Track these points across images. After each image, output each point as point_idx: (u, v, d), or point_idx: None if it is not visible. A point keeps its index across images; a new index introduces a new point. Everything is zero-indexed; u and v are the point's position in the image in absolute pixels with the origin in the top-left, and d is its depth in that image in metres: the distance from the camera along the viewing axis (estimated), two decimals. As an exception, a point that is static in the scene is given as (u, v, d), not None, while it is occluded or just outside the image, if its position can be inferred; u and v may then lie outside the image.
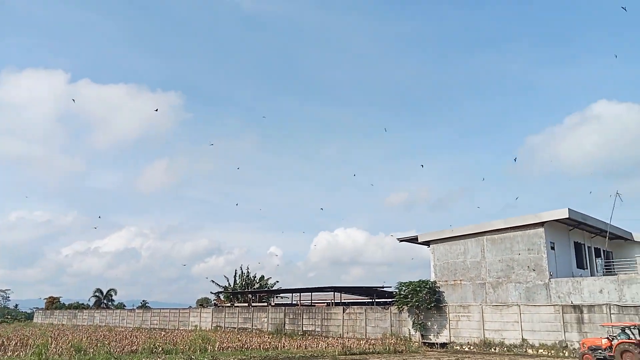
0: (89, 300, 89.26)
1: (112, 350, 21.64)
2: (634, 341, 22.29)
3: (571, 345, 27.01)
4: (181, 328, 50.59)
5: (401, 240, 38.68)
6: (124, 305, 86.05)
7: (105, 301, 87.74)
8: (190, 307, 59.10)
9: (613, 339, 23.02)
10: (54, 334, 32.12)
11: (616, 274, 29.55)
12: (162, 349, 23.11)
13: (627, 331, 23.02)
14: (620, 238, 34.98)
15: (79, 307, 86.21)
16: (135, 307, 75.03)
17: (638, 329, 23.28)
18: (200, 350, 23.76)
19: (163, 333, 36.81)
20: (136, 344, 24.64)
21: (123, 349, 22.63)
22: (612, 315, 26.21)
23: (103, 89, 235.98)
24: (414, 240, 36.95)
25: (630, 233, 35.11)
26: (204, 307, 59.54)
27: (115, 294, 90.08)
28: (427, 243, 35.81)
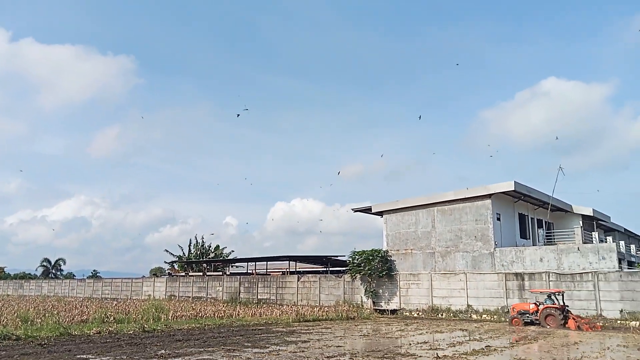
0: (36, 270, 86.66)
1: (61, 320, 21.19)
2: (557, 306, 24.25)
3: (512, 310, 28.60)
4: (134, 298, 50.02)
5: (355, 211, 39.38)
6: (74, 275, 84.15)
7: (53, 271, 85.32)
8: (144, 276, 58.37)
9: (539, 304, 24.92)
10: (-1, 304, 31.09)
11: (556, 244, 31.35)
12: (114, 318, 22.82)
13: (552, 297, 24.97)
14: (561, 210, 36.90)
15: (25, 277, 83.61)
16: (85, 277, 73.47)
17: (562, 295, 25.27)
18: (153, 319, 23.65)
19: (115, 303, 36.30)
20: (87, 313, 24.20)
21: (73, 319, 22.21)
22: (550, 282, 27.89)
23: (48, 49, 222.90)
24: (367, 210, 37.70)
25: (570, 205, 37.08)
26: (157, 276, 58.94)
27: (64, 264, 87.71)
28: (380, 213, 36.63)
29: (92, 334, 17.98)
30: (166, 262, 66.05)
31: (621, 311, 25.59)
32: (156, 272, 71.56)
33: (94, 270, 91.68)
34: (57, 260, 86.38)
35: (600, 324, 24.48)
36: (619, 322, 25.28)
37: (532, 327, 23.63)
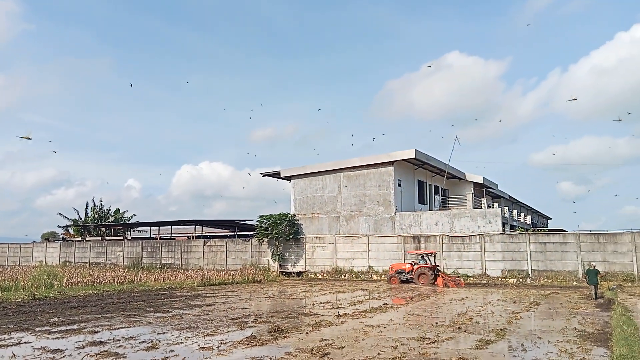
0: None
1: None
2: (429, 266, 26.80)
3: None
4: (23, 265, 46.50)
5: (264, 175, 39.28)
6: (-50, 241, 75.95)
7: None
8: (34, 242, 54.23)
9: (414, 264, 27.34)
10: None
11: (450, 209, 33.72)
12: (0, 286, 21.12)
13: (426, 258, 27.52)
14: (456, 178, 39.59)
15: None
16: (-36, 243, 66.61)
17: (434, 255, 27.92)
18: (45, 287, 22.20)
19: (1, 270, 33.53)
20: (-34, 282, 22.16)
21: (-51, 288, 20.24)
22: (443, 244, 30.09)
23: None
24: (276, 175, 37.78)
25: (464, 173, 39.90)
26: (50, 241, 55.05)
27: (-62, 229, 78.73)
28: (289, 178, 36.92)
29: (-28, 303, 16.51)
30: (60, 227, 61.75)
31: (502, 270, 28.38)
32: (48, 237, 66.73)
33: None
34: None
35: (463, 280, 27.30)
36: (500, 279, 28.07)
37: (408, 285, 26.00)
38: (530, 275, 27.53)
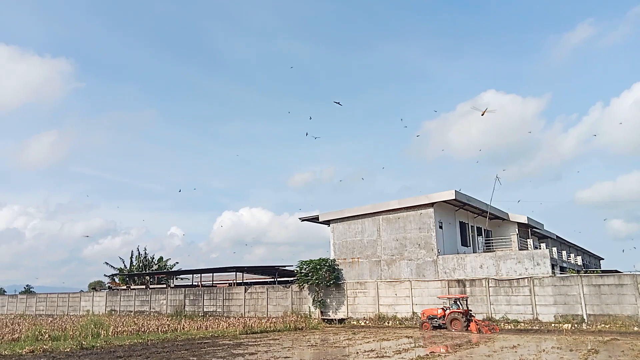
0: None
1: (-11, 340, 19.90)
2: (461, 311, 25.98)
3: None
4: (71, 314, 47.65)
5: (303, 220, 39.45)
6: (5, 291, 79.13)
7: (-19, 287, 79.82)
8: (82, 291, 55.70)
9: (446, 309, 26.58)
10: None
11: (494, 251, 32.75)
12: (49, 335, 21.63)
13: (458, 302, 26.68)
14: (499, 218, 38.59)
15: (-52, 294, 77.64)
16: (17, 293, 69.13)
17: (466, 300, 27.17)
18: (92, 336, 22.63)
19: (50, 319, 34.44)
20: (18, 331, 22.80)
21: (3, 338, 20.89)
22: (490, 288, 29.04)
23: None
24: (315, 219, 37.88)
25: (507, 213, 38.87)
26: (97, 290, 56.42)
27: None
28: (327, 222, 36.91)
29: (24, 353, 16.97)
30: (106, 275, 63.40)
31: (554, 315, 27.01)
32: (95, 286, 68.43)
33: (27, 285, 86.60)
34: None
35: (498, 326, 26.67)
36: (553, 325, 26.67)
37: (441, 331, 25.51)
38: (586, 320, 26.05)
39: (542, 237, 44.32)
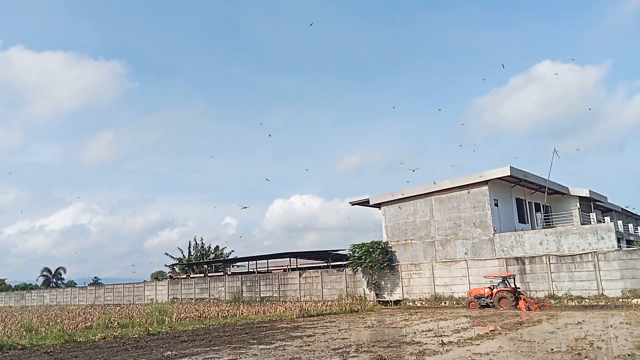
0: (36, 280, 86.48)
1: (65, 328, 21.18)
2: (509, 289, 25.37)
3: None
4: (137, 302, 50.02)
5: (353, 204, 39.41)
6: (75, 284, 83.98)
7: (54, 280, 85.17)
8: (145, 281, 58.33)
9: (494, 287, 26.04)
10: (1, 315, 31.06)
11: (554, 227, 31.49)
12: (118, 323, 22.81)
13: (506, 281, 26.04)
14: (558, 193, 37.02)
15: (26, 287, 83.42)
16: (87, 285, 73.34)
17: (513, 278, 26.60)
18: (157, 322, 23.65)
19: (118, 308, 36.29)
20: (90, 320, 24.17)
21: (77, 326, 22.19)
22: (551, 265, 28.02)
23: (38, 56, 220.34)
24: (365, 203, 37.74)
25: (567, 188, 37.22)
26: (159, 280, 58.90)
27: (65, 273, 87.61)
28: (378, 205, 36.67)
29: (97, 339, 17.96)
30: (167, 266, 66.11)
31: (622, 290, 25.75)
32: (157, 276, 71.46)
33: (95, 277, 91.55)
34: (57, 270, 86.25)
35: (549, 303, 25.96)
36: (620, 300, 25.45)
37: (490, 310, 24.96)
38: (657, 295, 24.67)
39: (606, 210, 42.23)
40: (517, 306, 24.50)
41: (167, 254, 64.83)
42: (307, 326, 20.58)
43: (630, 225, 37.68)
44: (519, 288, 26.28)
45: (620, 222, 33.21)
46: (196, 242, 63.96)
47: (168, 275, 65.68)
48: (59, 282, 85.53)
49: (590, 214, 34.62)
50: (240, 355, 12.55)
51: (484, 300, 26.27)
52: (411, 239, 34.19)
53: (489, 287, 26.57)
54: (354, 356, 11.68)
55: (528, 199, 35.96)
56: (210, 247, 64.41)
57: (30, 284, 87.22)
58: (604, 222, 32.68)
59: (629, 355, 10.26)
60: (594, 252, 26.92)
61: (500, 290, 25.60)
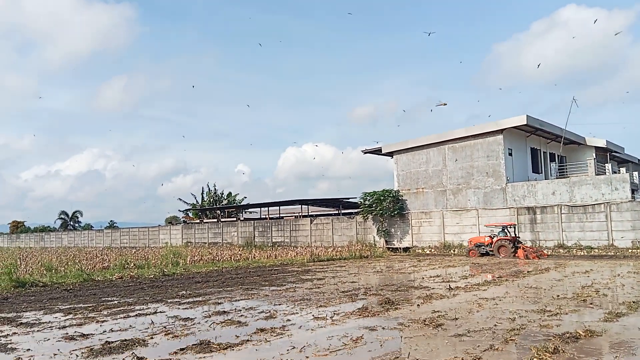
0: (54, 223, 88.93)
1: (83, 268, 21.93)
2: (509, 238, 25.73)
3: (524, 244, 28.91)
4: (152, 246, 51.36)
5: (366, 152, 39.26)
6: (92, 227, 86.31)
7: (71, 223, 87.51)
8: (160, 225, 59.63)
9: (494, 236, 26.47)
10: (23, 255, 32.18)
11: (568, 177, 31.21)
12: (134, 264, 23.51)
13: (506, 230, 26.35)
14: (574, 143, 36.42)
15: (45, 230, 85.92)
16: (103, 228, 75.31)
17: (514, 227, 26.94)
18: (172, 264, 24.35)
19: (134, 251, 37.36)
20: (107, 261, 24.95)
21: (95, 267, 22.94)
22: (562, 215, 28.00)
23: (48, 0, 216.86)
24: (378, 151, 37.55)
25: (584, 138, 36.56)
26: (173, 224, 60.20)
27: (82, 216, 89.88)
28: (390, 154, 36.48)
29: (114, 279, 18.60)
30: (180, 211, 67.33)
31: (633, 241, 25.75)
32: (172, 221, 73.01)
33: (111, 221, 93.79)
34: (74, 213, 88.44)
35: (558, 252, 26.70)
36: (630, 250, 25.53)
37: (487, 258, 25.66)
38: (667, 246, 24.67)
39: (623, 161, 41.61)
40: (516, 255, 25.04)
41: (180, 199, 65.89)
42: (317, 270, 21.05)
43: (646, 177, 37.12)
44: (518, 237, 26.70)
45: (636, 174, 32.72)
46: (209, 189, 64.75)
47: (182, 220, 67.04)
48: (76, 225, 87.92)
49: (606, 164, 34.13)
50: (252, 296, 12.92)
51: (483, 249, 26.84)
52: (423, 188, 34.20)
53: (489, 236, 27.05)
54: (363, 298, 11.96)
55: (543, 148, 35.47)
56: (222, 194, 65.23)
57: (49, 227, 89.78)
58: (620, 173, 32.26)
59: (633, 302, 10.37)
60: (607, 202, 26.76)
61: (500, 239, 26.04)
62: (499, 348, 6.76)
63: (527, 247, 25.85)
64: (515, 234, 26.80)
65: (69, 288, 15.99)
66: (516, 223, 28.18)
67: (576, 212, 27.68)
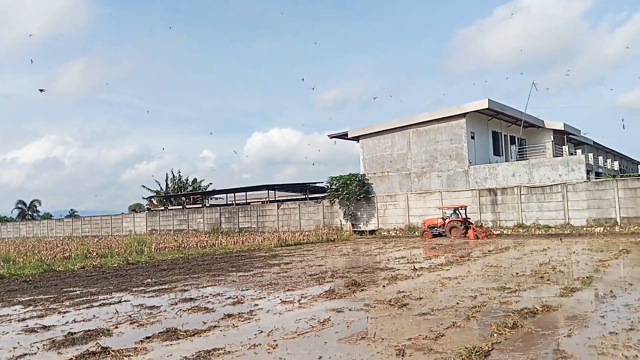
0: (11, 212, 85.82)
1: (43, 258, 21.29)
2: (460, 219, 27.02)
3: (485, 224, 29.79)
4: (115, 234, 50.31)
5: (332, 137, 39.36)
6: (51, 216, 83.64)
7: (29, 213, 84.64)
8: (123, 213, 58.35)
9: (446, 218, 27.64)
10: (-22, 247, 30.94)
11: (527, 159, 32.17)
12: (97, 254, 22.99)
13: (457, 212, 27.62)
14: (533, 126, 37.48)
15: (1, 220, 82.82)
16: (63, 217, 73.11)
17: (464, 209, 28.12)
18: (136, 253, 23.93)
19: (96, 239, 36.52)
20: (68, 251, 24.26)
21: (55, 257, 22.28)
22: (522, 196, 28.91)
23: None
24: (344, 136, 37.72)
25: (542, 121, 37.65)
26: (137, 212, 58.99)
27: (40, 205, 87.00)
28: (356, 138, 36.71)
29: (76, 269, 18.13)
30: (144, 198, 65.99)
31: (587, 219, 26.88)
32: (135, 209, 71.50)
33: (72, 210, 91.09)
34: (32, 202, 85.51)
35: (497, 232, 28.12)
36: (585, 229, 26.65)
37: (441, 239, 26.71)
38: (619, 223, 25.89)
39: (579, 143, 43.16)
40: (466, 235, 26.19)
41: (144, 186, 64.72)
42: (284, 255, 21.11)
43: (601, 158, 38.72)
44: (469, 218, 27.81)
45: (591, 155, 34.08)
46: (174, 175, 63.72)
47: (146, 207, 65.72)
48: (35, 214, 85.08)
49: (563, 146, 35.35)
50: (219, 282, 12.87)
51: (436, 230, 27.86)
52: (388, 171, 34.62)
53: (442, 218, 28.07)
54: (329, 281, 12.09)
55: (504, 132, 36.38)
56: (187, 180, 64.30)
57: (5, 217, 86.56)
58: (576, 154, 33.47)
59: (587, 278, 10.86)
60: (564, 183, 27.77)
61: (452, 221, 27.16)
62: (461, 325, 6.99)
63: (477, 227, 26.92)
64: (466, 216, 27.88)
65: (28, 279, 15.51)
66: (466, 205, 29.11)
67: (535, 193, 28.63)
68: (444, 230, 27.42)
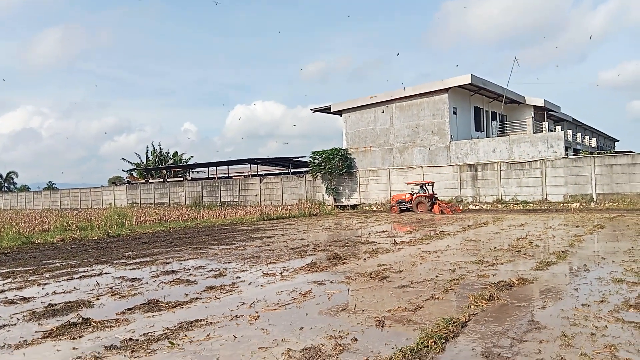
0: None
1: (21, 230, 21.01)
2: (427, 195, 27.76)
3: (466, 199, 30.24)
4: (95, 207, 49.76)
5: (315, 111, 39.12)
6: (29, 188, 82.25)
7: (6, 185, 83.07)
8: (103, 186, 57.62)
9: (414, 194, 28.38)
10: (-47, 220, 30.35)
11: (508, 135, 32.51)
12: (77, 226, 22.77)
13: (424, 187, 28.35)
14: (515, 102, 37.76)
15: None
16: (41, 189, 71.91)
17: (432, 185, 28.88)
18: (117, 225, 23.75)
19: (76, 212, 36.08)
20: (47, 223, 23.99)
21: (34, 229, 22.02)
22: (501, 171, 29.31)
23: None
24: (327, 110, 37.52)
25: (524, 97, 37.94)
26: (117, 185, 58.31)
27: (17, 177, 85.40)
28: (339, 113, 36.58)
29: (55, 241, 17.95)
30: (124, 171, 65.24)
31: (564, 195, 27.45)
32: (115, 181, 70.65)
33: (50, 182, 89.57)
34: (8, 174, 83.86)
35: (461, 207, 28.87)
36: (561, 204, 27.24)
37: (408, 213, 27.47)
38: (595, 199, 26.51)
39: (559, 120, 43.69)
40: (432, 210, 26.87)
41: (124, 159, 63.94)
42: (267, 228, 21.19)
43: (579, 135, 39.32)
44: (435, 194, 28.39)
45: (570, 132, 34.56)
46: (154, 148, 62.92)
47: (126, 180, 65.00)
48: (11, 186, 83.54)
49: (543, 123, 35.76)
50: (201, 255, 12.89)
51: (404, 205, 28.49)
52: (370, 146, 34.69)
53: (410, 193, 28.69)
54: (311, 254, 12.21)
55: (486, 107, 36.60)
56: (169, 153, 63.60)
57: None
58: (555, 131, 33.92)
59: (562, 252, 11.16)
60: (543, 159, 28.20)
61: (419, 196, 27.78)
62: (440, 297, 7.15)
63: (442, 203, 27.54)
64: (433, 191, 28.46)
65: (6, 252, 15.33)
66: (433, 181, 29.65)
67: (514, 169, 29.05)
68: (411, 205, 28.01)
